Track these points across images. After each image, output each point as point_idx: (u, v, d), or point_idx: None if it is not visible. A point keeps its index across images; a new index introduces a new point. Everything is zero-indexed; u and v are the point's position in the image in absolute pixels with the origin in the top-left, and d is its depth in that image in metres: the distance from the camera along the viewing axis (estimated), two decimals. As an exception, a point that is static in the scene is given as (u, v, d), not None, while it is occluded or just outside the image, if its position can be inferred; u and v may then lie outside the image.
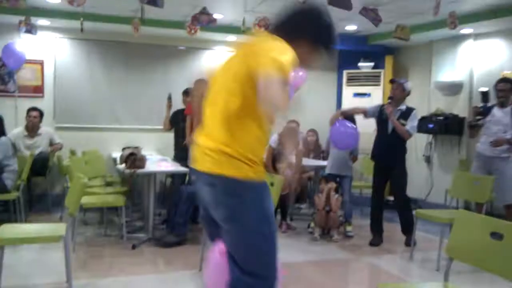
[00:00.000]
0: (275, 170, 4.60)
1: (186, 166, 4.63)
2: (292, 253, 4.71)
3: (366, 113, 5.14)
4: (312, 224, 5.42)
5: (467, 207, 5.91)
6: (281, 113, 1.67)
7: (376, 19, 5.24)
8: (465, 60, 6.73)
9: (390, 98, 5.03)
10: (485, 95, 5.60)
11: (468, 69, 6.68)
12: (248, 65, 1.80)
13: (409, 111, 4.94)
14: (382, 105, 5.17)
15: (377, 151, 5.16)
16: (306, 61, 2.02)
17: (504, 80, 5.11)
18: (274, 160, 4.98)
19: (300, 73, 7.67)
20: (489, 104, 5.33)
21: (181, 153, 5.26)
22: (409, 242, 4.77)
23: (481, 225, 2.39)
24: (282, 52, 1.78)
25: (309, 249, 4.92)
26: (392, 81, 5.15)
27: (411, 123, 4.88)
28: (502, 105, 5.03)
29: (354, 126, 5.07)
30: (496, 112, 5.06)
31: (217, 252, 2.01)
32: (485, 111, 5.14)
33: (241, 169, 1.87)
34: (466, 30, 6.36)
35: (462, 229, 2.48)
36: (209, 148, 1.92)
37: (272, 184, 3.44)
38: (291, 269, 4.16)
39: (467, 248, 2.42)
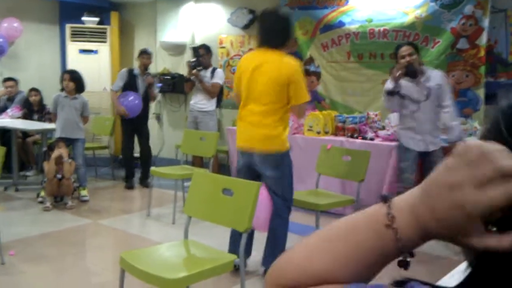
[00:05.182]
0: None
1: None
2: (21, 227, 4.30)
3: None
4: (43, 193, 5.03)
5: (194, 160, 6.43)
6: None
7: None
8: (187, 22, 7.10)
9: None
10: (196, 50, 6.05)
11: (190, 31, 7.09)
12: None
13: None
14: None
15: None
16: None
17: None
18: None
19: (15, 24, 6.77)
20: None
21: None
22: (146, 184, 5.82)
23: (214, 183, 2.66)
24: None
25: (40, 220, 4.57)
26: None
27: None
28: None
29: (136, 96, 5.79)
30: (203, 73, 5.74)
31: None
32: (195, 66, 5.69)
33: None
34: (187, -7, 6.69)
35: (197, 188, 2.71)
36: None
37: None
38: (22, 244, 3.82)
39: (203, 205, 2.67)
